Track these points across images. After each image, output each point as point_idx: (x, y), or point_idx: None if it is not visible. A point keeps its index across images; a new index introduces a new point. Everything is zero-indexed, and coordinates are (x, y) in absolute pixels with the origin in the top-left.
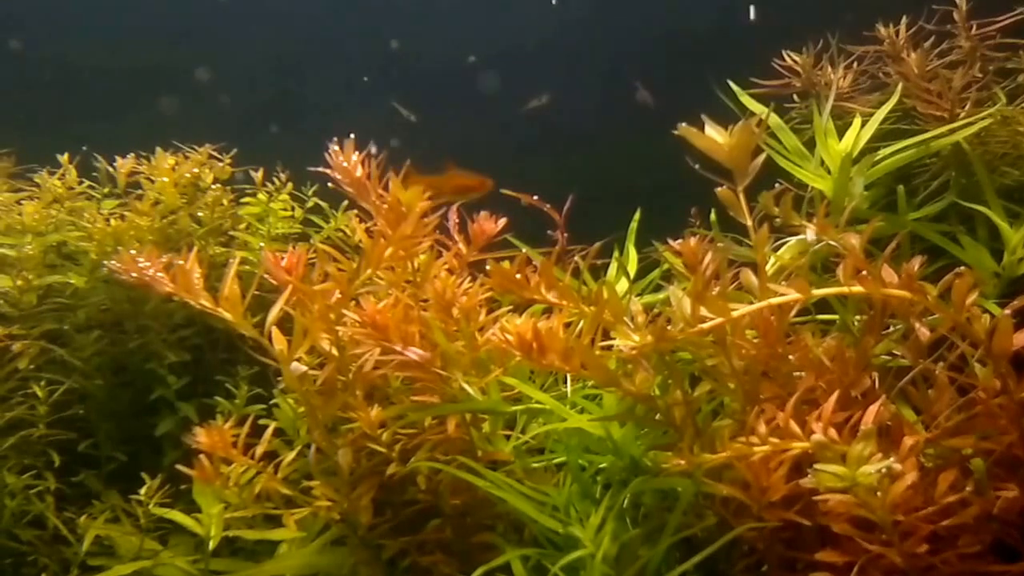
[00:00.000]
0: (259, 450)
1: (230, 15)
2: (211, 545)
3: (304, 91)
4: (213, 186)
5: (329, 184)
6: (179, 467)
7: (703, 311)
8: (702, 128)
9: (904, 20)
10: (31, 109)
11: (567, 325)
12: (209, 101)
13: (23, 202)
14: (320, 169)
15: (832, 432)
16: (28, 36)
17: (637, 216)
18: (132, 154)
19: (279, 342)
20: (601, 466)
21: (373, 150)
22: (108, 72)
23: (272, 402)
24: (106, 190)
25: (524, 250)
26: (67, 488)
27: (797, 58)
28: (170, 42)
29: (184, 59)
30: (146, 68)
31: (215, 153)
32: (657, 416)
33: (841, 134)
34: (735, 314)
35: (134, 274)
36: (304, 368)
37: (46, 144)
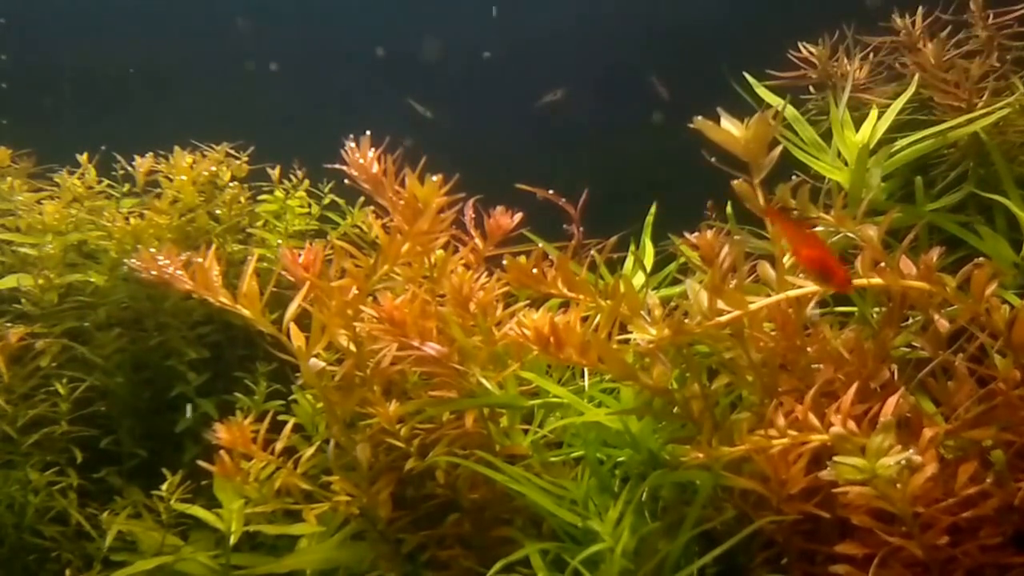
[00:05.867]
0: (278, 446)
1: (245, 14)
2: (232, 540)
3: (319, 88)
4: (231, 184)
5: (345, 180)
6: (199, 463)
7: (720, 304)
8: (718, 121)
9: (920, 10)
10: (51, 109)
11: (584, 319)
12: (226, 99)
13: (43, 202)
14: (336, 166)
15: (851, 424)
16: (46, 37)
17: (653, 210)
18: (150, 153)
19: (297, 338)
20: (619, 460)
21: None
22: (126, 71)
23: (291, 398)
24: (125, 189)
25: (540, 245)
26: (89, 484)
27: (813, 49)
28: (187, 41)
29: (200, 58)
30: (163, 67)
31: (232, 151)
32: (675, 409)
33: (858, 125)
34: (752, 307)
35: (153, 272)
36: (322, 364)
37: (65, 144)
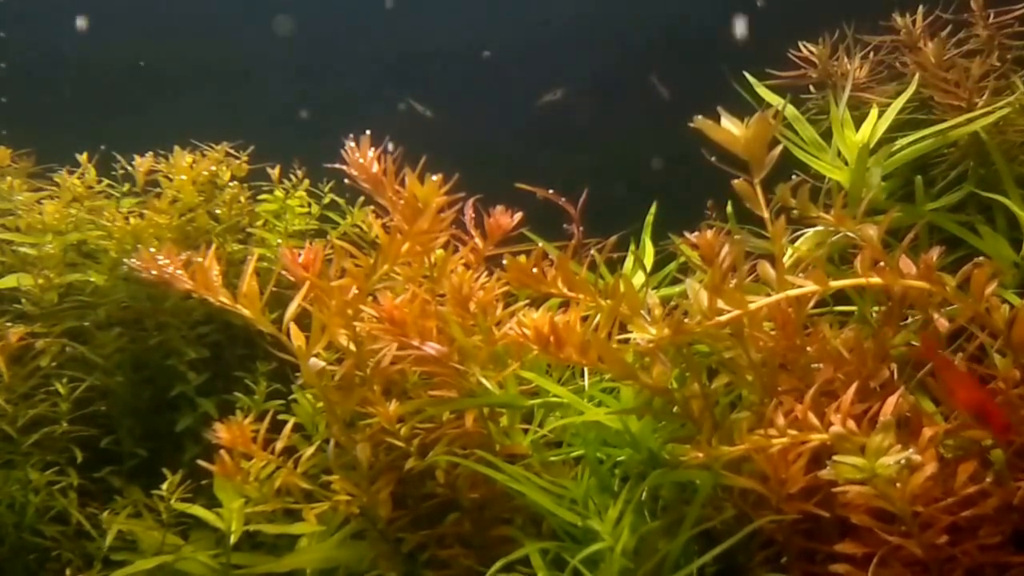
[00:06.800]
0: (279, 445)
1: (245, 13)
2: (232, 540)
3: (319, 88)
4: (230, 183)
5: (345, 180)
6: (200, 462)
7: (720, 303)
8: (718, 120)
9: (921, 9)
10: (50, 108)
11: (584, 319)
12: (226, 99)
13: (43, 201)
14: (336, 165)
15: (851, 423)
16: (46, 36)
17: (653, 209)
18: (150, 152)
19: (297, 338)
20: (619, 459)
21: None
22: (126, 71)
23: (291, 398)
24: (125, 188)
25: (540, 244)
26: (89, 484)
27: (813, 49)
28: (187, 40)
29: (200, 57)
30: (163, 67)
31: (232, 151)
32: (675, 409)
33: (858, 125)
34: (752, 306)
35: (153, 272)
36: (322, 364)
37: (65, 143)
